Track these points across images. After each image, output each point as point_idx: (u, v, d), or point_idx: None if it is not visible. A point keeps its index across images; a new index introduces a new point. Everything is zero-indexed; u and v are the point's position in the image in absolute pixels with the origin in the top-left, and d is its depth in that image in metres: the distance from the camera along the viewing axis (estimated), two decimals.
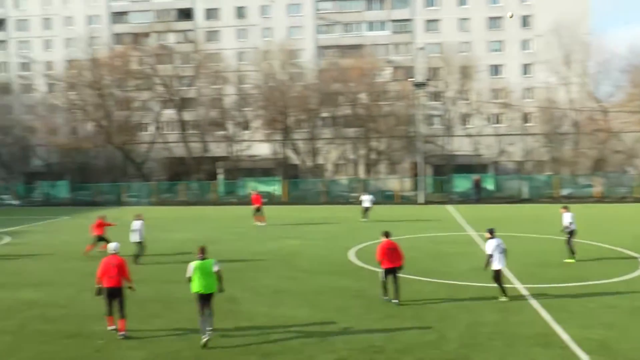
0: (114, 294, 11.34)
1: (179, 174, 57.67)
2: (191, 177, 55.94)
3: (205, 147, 57.68)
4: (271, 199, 48.61)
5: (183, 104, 57.53)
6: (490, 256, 13.26)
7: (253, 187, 45.69)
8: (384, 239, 13.45)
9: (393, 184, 50.96)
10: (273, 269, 17.77)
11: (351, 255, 20.00)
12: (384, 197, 45.78)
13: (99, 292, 11.54)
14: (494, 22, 64.08)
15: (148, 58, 58.00)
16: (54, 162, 59.99)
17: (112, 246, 11.99)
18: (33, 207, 51.00)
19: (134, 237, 19.14)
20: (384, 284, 13.49)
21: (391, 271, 13.29)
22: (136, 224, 19.22)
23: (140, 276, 15.75)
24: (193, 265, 10.86)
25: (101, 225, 20.84)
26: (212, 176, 57.22)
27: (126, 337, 11.20)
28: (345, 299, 13.92)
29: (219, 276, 10.97)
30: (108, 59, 58.57)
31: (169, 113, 59.59)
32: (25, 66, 72.14)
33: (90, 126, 59.73)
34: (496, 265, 13.29)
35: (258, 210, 29.89)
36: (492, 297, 13.54)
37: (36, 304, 14.19)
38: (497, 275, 13.39)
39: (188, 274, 10.88)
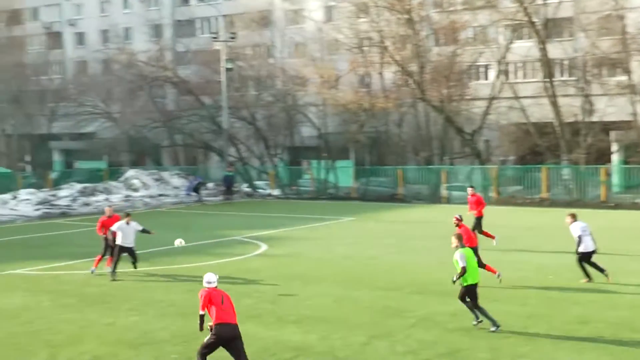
0: (232, 337, 13.48)
1: (538, 152, 57.62)
2: (560, 157, 55.51)
3: (588, 107, 56.60)
4: None
5: (548, 31, 57.09)
6: None
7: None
8: None
9: None
10: None
11: None
12: None
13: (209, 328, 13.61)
14: None
15: None
16: (333, 132, 65.20)
17: (209, 278, 13.94)
18: (300, 199, 56.69)
19: None
20: None
21: None
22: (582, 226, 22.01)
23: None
24: (465, 253, 16.95)
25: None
26: (601, 156, 55.76)
27: None
28: None
29: None
30: None
31: (523, 47, 59.82)
32: None
33: (390, 73, 63.37)
34: None
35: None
36: None
37: (305, 350, 15.68)
38: None
39: (462, 264, 16.61)
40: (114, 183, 59.08)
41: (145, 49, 78.68)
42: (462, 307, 19.13)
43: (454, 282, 16.95)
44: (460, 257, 16.77)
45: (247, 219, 42.82)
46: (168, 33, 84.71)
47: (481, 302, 19.40)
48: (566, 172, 51.83)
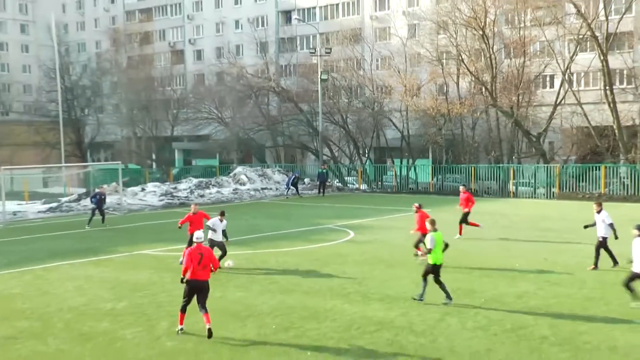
0: (199, 289, 15.00)
1: (598, 152, 56.52)
2: (617, 158, 54.25)
3: None
4: None
5: (609, 43, 55.81)
6: None
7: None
8: None
9: None
10: None
11: None
12: None
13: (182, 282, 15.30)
14: None
15: None
16: (414, 135, 65.06)
17: (197, 234, 15.69)
18: (384, 193, 56.70)
19: None
20: None
21: None
22: None
23: None
24: (435, 237, 17.38)
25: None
26: None
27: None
28: None
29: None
30: None
31: (586, 59, 58.69)
32: (381, 3, 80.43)
33: (466, 83, 62.92)
34: None
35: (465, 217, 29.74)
36: None
37: (387, 324, 15.82)
38: None
39: (430, 246, 17.27)
40: (224, 178, 59.62)
41: (253, 63, 79.82)
42: (527, 288, 19.00)
43: (421, 258, 18.76)
44: (430, 239, 17.51)
45: (338, 210, 42.97)
46: (272, 49, 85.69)
47: (544, 286, 19.25)
48: (623, 171, 50.60)
